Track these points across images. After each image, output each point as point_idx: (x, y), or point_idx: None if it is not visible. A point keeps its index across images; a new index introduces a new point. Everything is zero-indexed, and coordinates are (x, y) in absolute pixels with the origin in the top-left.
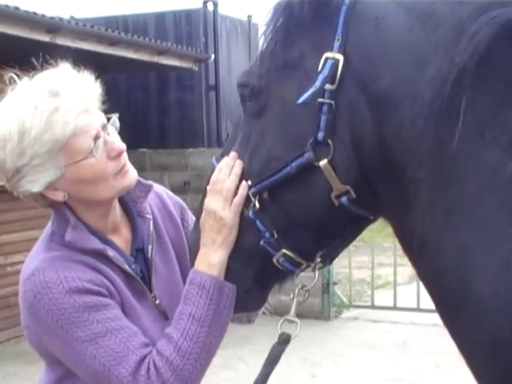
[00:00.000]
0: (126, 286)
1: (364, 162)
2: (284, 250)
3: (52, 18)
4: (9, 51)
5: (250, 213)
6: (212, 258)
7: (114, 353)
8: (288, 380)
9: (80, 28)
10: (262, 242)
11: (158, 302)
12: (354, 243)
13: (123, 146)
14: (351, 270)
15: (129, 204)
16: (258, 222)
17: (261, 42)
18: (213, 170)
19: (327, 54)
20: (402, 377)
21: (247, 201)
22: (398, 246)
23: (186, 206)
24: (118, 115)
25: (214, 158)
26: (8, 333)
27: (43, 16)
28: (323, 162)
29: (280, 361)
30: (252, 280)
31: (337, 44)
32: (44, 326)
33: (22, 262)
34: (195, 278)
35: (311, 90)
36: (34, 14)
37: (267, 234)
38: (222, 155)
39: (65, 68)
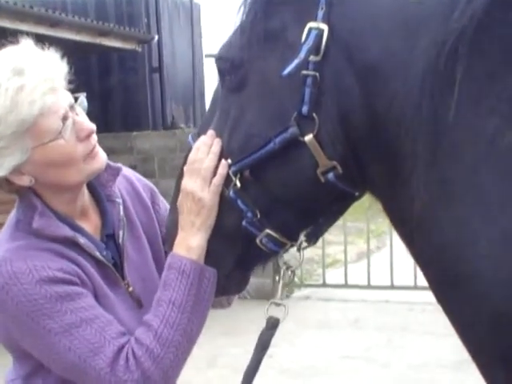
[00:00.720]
0: (97, 274)
1: (351, 137)
2: (267, 230)
3: None
4: None
5: (231, 192)
6: (191, 242)
7: (89, 344)
8: (243, 362)
9: (18, 8)
10: (244, 223)
11: (131, 289)
12: None
13: (93, 127)
14: None
15: (97, 188)
16: (239, 202)
17: (240, 12)
18: (190, 149)
19: (311, 24)
20: (356, 354)
21: (227, 180)
22: (348, 223)
23: (156, 189)
24: (85, 94)
25: (190, 137)
26: None
27: None
28: (308, 137)
29: (237, 342)
30: (234, 262)
31: (321, 13)
32: (13, 320)
33: None
34: (174, 263)
35: (295, 62)
36: None
37: (249, 214)
38: (199, 134)
39: (28, 45)
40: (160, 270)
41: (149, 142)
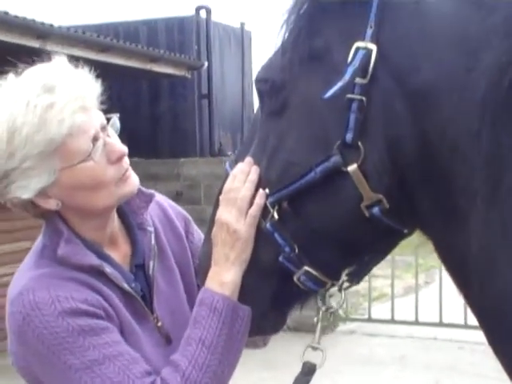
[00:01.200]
0: (124, 307)
1: (400, 168)
2: (306, 267)
3: (42, 24)
4: None
5: (268, 225)
6: (225, 277)
7: (112, 382)
8: None
9: (70, 34)
10: (281, 258)
11: (160, 324)
12: None
13: (125, 149)
14: None
15: (128, 215)
16: (276, 235)
17: (282, 31)
18: (226, 177)
19: (358, 44)
20: None
21: (264, 211)
22: (396, 257)
23: (190, 218)
24: (118, 115)
25: (227, 164)
26: None
27: (33, 21)
28: (352, 167)
29: (276, 377)
30: (270, 301)
31: (369, 32)
32: (34, 352)
33: (7, 275)
34: (206, 298)
35: (339, 84)
36: (24, 19)
37: (287, 249)
38: (236, 161)
39: (60, 62)
40: (192, 302)
41: (196, 169)
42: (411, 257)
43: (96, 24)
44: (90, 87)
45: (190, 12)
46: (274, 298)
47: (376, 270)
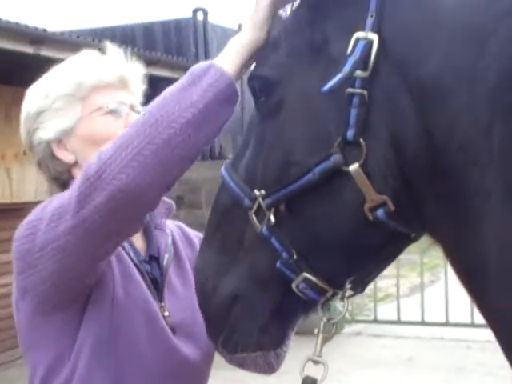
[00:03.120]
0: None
1: (406, 167)
2: (305, 274)
3: (36, 29)
4: None
5: (264, 229)
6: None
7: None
8: None
9: (65, 38)
10: (278, 264)
11: (166, 313)
12: None
13: None
14: None
15: (146, 217)
16: (273, 240)
17: (275, 25)
18: (222, 181)
19: (358, 34)
20: None
21: (260, 215)
22: (400, 256)
23: None
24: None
25: (223, 169)
26: None
27: (26, 26)
28: (354, 167)
29: (282, 382)
30: (269, 313)
31: (370, 21)
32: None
33: (9, 285)
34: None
35: (338, 77)
36: (17, 24)
37: (285, 255)
38: (233, 164)
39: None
40: None
41: (196, 173)
42: (416, 255)
43: (92, 28)
44: (136, 78)
45: (187, 14)
46: (273, 309)
47: None
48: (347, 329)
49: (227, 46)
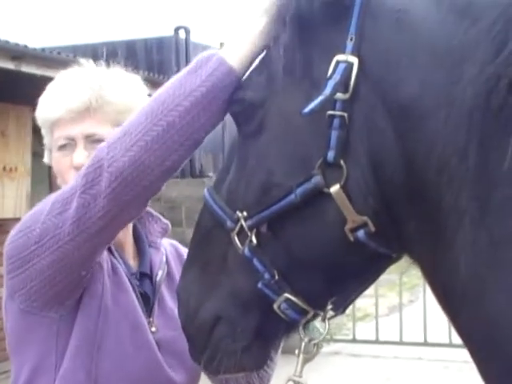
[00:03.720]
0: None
1: (385, 187)
2: (286, 294)
3: (17, 45)
4: None
5: (246, 250)
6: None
7: None
8: None
9: (45, 54)
10: (259, 285)
11: (153, 329)
12: None
13: (81, 163)
14: None
15: (141, 232)
16: (255, 261)
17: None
18: (205, 203)
19: (338, 57)
20: None
21: (242, 236)
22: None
23: None
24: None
25: (205, 191)
26: None
27: (7, 42)
28: (335, 188)
29: None
30: (251, 334)
31: (350, 44)
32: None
33: None
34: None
35: (320, 99)
36: None
37: (266, 275)
38: (215, 186)
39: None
40: None
41: (176, 191)
42: (395, 275)
43: (73, 45)
44: (110, 97)
45: (169, 32)
46: (255, 330)
47: None
48: (325, 348)
49: (234, 37)
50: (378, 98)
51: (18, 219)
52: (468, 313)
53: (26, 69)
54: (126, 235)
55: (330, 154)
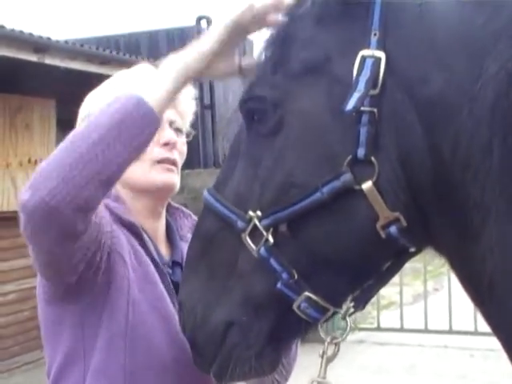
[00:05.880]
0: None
1: (414, 183)
2: (307, 293)
3: (40, 37)
4: None
5: (262, 250)
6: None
7: None
8: None
9: (69, 46)
10: (279, 285)
11: None
12: None
13: (175, 140)
14: None
15: (173, 227)
16: (272, 261)
17: (272, 44)
18: (206, 206)
19: (364, 52)
20: None
21: (257, 236)
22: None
23: None
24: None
25: (206, 192)
26: (0, 366)
27: (31, 35)
28: (367, 185)
29: None
30: (266, 337)
31: (374, 39)
32: None
33: (14, 292)
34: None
35: (356, 96)
36: (21, 32)
37: (285, 275)
38: (217, 189)
39: None
40: None
41: (200, 181)
42: (420, 263)
43: (96, 36)
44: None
45: (190, 22)
46: (271, 333)
47: None
48: (350, 336)
49: (162, 67)
50: (405, 93)
51: None
52: (497, 304)
53: (50, 61)
54: (158, 227)
55: (361, 151)
